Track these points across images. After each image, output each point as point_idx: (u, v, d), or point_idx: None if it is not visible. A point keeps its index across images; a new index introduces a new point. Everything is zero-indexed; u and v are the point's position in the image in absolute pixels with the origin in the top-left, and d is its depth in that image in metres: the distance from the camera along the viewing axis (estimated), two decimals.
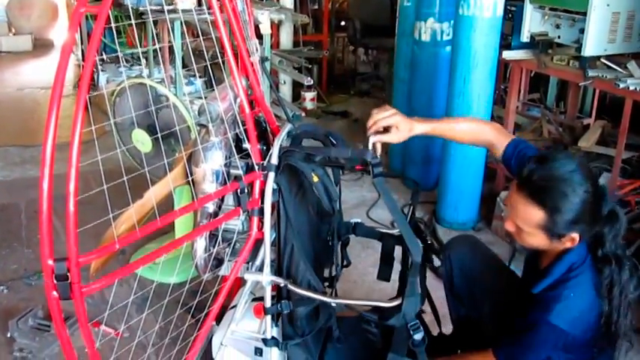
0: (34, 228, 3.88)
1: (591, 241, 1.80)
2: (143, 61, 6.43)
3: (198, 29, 3.35)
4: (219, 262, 2.18)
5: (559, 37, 3.82)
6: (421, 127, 2.03)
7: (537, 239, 1.79)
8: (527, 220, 1.75)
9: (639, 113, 4.88)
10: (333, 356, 2.28)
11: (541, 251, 1.93)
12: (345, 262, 2.26)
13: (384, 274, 2.26)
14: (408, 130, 2.00)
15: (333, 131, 2.14)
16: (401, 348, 1.93)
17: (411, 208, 2.26)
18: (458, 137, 2.11)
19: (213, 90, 2.03)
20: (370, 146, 1.97)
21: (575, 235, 1.74)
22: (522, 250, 2.01)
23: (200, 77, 6.16)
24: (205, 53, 2.38)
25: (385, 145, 2.03)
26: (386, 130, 2.00)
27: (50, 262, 1.45)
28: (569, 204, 1.68)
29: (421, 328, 1.89)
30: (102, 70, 6.82)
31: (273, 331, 2.10)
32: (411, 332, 1.88)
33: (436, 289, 3.27)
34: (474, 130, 2.09)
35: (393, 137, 2.00)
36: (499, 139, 2.04)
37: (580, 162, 1.75)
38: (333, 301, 2.00)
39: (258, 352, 2.18)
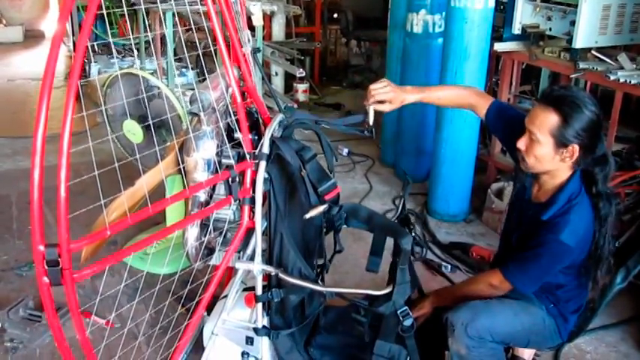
0: (25, 219, 3.87)
1: (585, 180, 2.10)
2: (135, 52, 6.40)
3: (191, 20, 3.35)
4: (210, 251, 2.19)
5: (550, 29, 3.82)
6: (411, 98, 2.29)
7: (545, 149, 2.02)
8: (542, 125, 2.00)
9: (629, 105, 4.92)
10: (320, 344, 2.29)
11: (537, 186, 2.20)
12: (337, 248, 2.27)
13: (372, 265, 2.24)
14: (400, 102, 2.25)
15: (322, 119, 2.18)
16: (390, 334, 1.97)
17: (402, 200, 2.30)
18: (444, 103, 2.46)
19: (205, 80, 2.04)
20: (370, 112, 2.23)
21: (577, 147, 1.99)
22: (522, 178, 2.23)
23: (192, 69, 6.14)
24: (198, 44, 2.39)
25: (379, 116, 2.28)
26: (381, 102, 2.24)
27: (41, 247, 1.45)
28: (579, 114, 1.97)
29: (410, 314, 1.91)
30: (94, 61, 6.78)
31: (264, 321, 2.11)
32: (401, 319, 1.90)
33: (430, 280, 3.30)
34: (457, 95, 2.41)
35: (386, 107, 2.25)
36: (480, 101, 2.34)
37: (592, 97, 2.07)
38: (324, 290, 2.01)
39: (250, 341, 2.19)
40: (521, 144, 2.08)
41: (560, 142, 2.00)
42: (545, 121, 2.00)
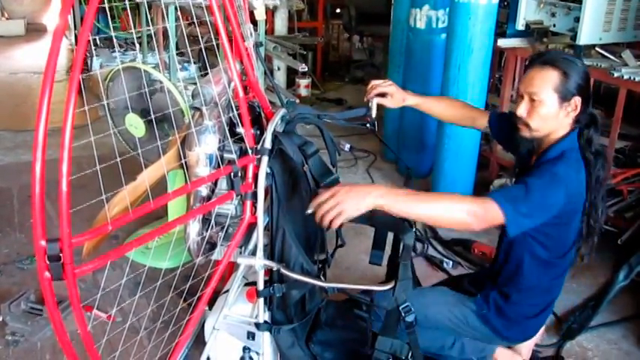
0: (26, 213, 3.87)
1: (580, 140, 2.08)
2: (137, 45, 6.39)
3: (193, 14, 3.33)
4: (212, 246, 2.18)
5: (554, 25, 3.81)
6: (412, 100, 2.38)
7: (550, 108, 2.01)
8: (544, 83, 2.00)
9: (633, 103, 4.91)
10: (321, 340, 2.29)
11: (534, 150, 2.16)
12: (340, 243, 2.27)
13: (375, 259, 2.28)
14: (402, 100, 2.35)
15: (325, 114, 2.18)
16: (391, 330, 1.96)
17: None
18: (442, 114, 2.47)
19: (208, 74, 2.03)
20: (373, 106, 2.29)
21: (578, 100, 2.01)
22: (524, 143, 2.15)
23: (194, 62, 6.13)
24: (200, 38, 2.37)
25: (380, 110, 2.33)
26: (383, 95, 2.32)
27: (43, 242, 1.44)
28: (575, 67, 2.00)
29: (412, 310, 1.91)
30: (96, 55, 6.77)
31: (265, 316, 2.11)
32: (403, 314, 1.90)
33: (431, 276, 3.30)
34: (455, 108, 2.47)
35: (387, 102, 2.33)
36: (479, 112, 2.45)
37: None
38: (326, 285, 2.00)
39: (251, 336, 2.18)
40: (522, 110, 2.05)
41: (564, 97, 2.00)
42: (547, 79, 2.00)
